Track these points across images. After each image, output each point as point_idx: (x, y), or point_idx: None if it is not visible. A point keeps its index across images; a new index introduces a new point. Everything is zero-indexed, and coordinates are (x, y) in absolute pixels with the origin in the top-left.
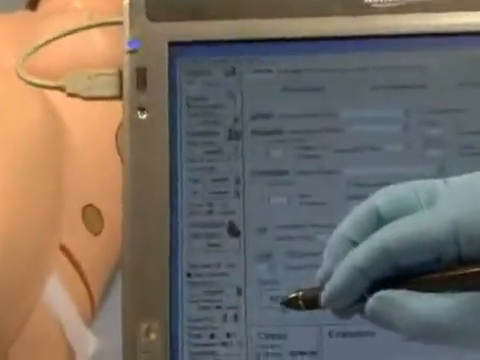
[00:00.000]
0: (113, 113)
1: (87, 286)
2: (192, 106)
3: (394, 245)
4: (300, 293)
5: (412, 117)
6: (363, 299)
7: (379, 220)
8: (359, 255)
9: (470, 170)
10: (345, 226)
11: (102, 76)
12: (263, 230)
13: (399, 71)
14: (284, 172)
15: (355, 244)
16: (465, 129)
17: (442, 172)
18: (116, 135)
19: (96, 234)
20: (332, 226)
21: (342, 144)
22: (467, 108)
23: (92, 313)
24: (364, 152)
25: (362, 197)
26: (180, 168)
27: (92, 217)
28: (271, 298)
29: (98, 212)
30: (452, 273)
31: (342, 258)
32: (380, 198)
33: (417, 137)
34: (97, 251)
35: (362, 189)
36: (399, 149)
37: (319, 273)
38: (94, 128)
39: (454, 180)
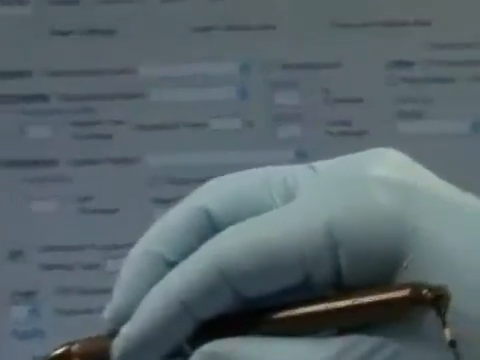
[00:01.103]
0: None
1: None
2: None
3: (230, 264)
4: (76, 346)
5: (255, 76)
6: (181, 353)
7: (208, 228)
8: (178, 280)
9: (342, 153)
10: (153, 238)
11: None
12: (19, 254)
13: (238, 4)
14: (52, 162)
15: (171, 265)
16: (336, 94)
17: (302, 158)
18: None
19: None
20: (131, 245)
21: (145, 117)
22: (340, 62)
23: None
24: (180, 130)
25: (177, 198)
26: None
27: None
28: (34, 358)
29: None
30: (325, 307)
31: (150, 285)
32: (209, 195)
33: (263, 106)
34: None
35: (178, 187)
36: (235, 125)
37: (109, 311)
38: None
39: (324, 165)
